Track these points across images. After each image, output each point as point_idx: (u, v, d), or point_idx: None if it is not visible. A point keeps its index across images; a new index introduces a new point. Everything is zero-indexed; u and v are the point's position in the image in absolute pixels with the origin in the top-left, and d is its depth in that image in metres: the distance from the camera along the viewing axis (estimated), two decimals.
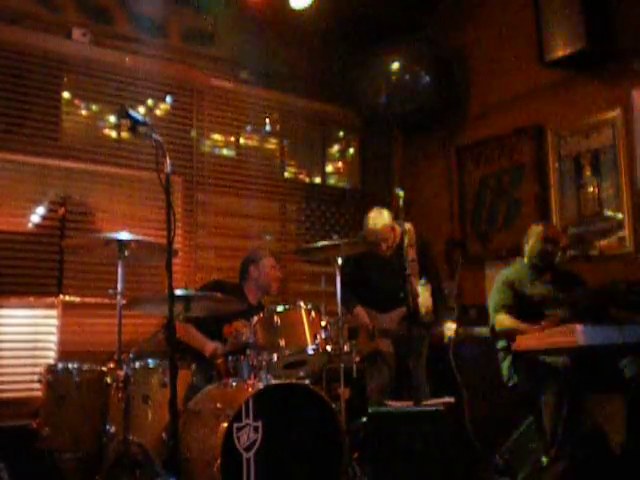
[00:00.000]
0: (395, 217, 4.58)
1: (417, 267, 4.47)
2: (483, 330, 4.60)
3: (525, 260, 4.33)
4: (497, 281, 4.35)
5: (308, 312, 3.75)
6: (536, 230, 4.32)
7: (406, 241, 4.07)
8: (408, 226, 4.26)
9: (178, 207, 5.26)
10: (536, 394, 3.89)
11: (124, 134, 5.06)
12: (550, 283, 4.24)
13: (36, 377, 3.53)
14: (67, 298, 4.66)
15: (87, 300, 4.74)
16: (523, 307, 4.12)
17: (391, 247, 4.61)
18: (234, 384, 3.51)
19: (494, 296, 4.28)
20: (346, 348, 3.77)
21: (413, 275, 4.37)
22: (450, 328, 4.33)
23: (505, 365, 4.16)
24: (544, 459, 3.82)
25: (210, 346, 4.08)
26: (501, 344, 4.18)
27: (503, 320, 4.11)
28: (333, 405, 3.49)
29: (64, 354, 4.44)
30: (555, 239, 4.31)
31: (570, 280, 4.32)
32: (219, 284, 4.43)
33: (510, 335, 4.02)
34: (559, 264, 4.37)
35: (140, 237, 3.49)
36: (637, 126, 4.82)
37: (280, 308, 3.76)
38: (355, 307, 4.56)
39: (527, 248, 4.32)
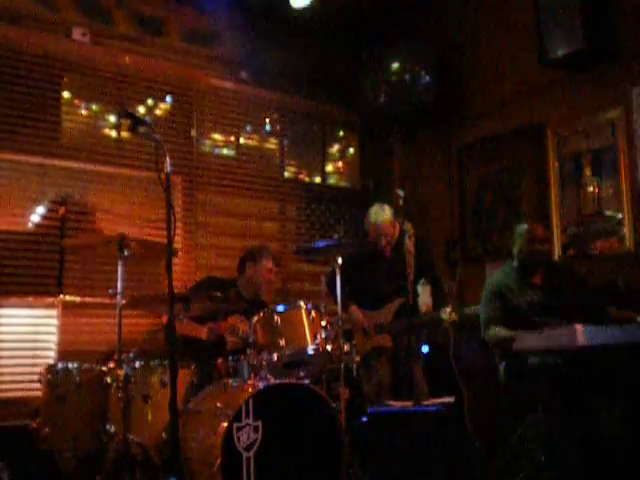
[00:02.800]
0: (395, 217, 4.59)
1: (413, 259, 4.46)
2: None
3: (514, 262, 4.29)
4: (486, 289, 4.26)
5: (308, 312, 3.75)
6: (521, 230, 4.25)
7: (406, 240, 4.07)
8: (408, 226, 4.26)
9: (178, 207, 5.26)
10: (530, 395, 3.87)
11: (124, 134, 5.07)
12: (540, 287, 4.18)
13: (36, 377, 3.53)
14: (67, 298, 4.66)
15: (87, 300, 4.73)
16: (512, 316, 4.08)
17: (390, 243, 4.61)
18: (234, 384, 3.51)
19: (484, 308, 4.20)
20: (346, 348, 3.77)
21: (409, 267, 4.36)
22: (446, 312, 4.30)
23: (501, 368, 4.14)
24: (544, 459, 3.81)
25: (204, 330, 4.09)
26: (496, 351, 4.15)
27: (497, 333, 4.06)
28: (333, 405, 3.49)
29: (64, 354, 4.44)
30: (541, 238, 4.24)
31: (565, 278, 4.26)
32: (213, 281, 4.44)
33: (505, 344, 3.97)
34: (552, 262, 4.32)
35: (140, 237, 3.49)
36: (637, 126, 4.82)
37: (280, 308, 3.76)
38: (349, 306, 4.55)
39: (515, 250, 4.26)
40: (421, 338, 4.66)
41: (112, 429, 3.27)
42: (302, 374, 3.83)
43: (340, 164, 6.56)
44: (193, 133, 5.52)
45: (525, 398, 3.97)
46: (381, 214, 4.58)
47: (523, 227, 4.28)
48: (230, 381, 3.57)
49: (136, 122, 2.92)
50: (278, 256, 4.76)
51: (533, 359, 3.88)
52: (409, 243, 4.37)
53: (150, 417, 3.40)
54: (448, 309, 4.30)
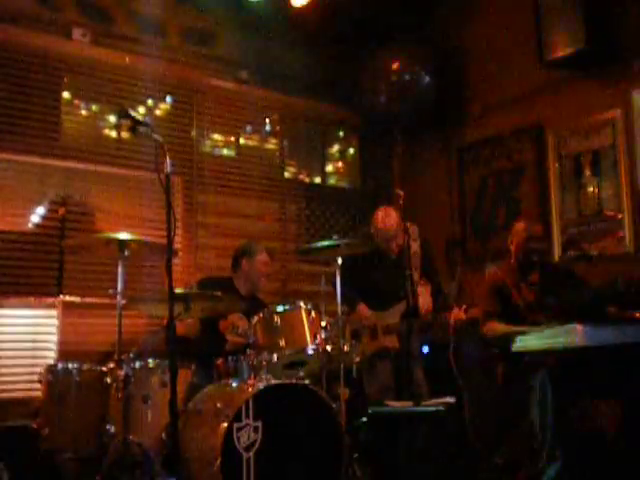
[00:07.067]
0: None
1: (419, 261, 4.46)
2: None
3: (512, 260, 4.29)
4: (486, 284, 4.27)
5: (308, 312, 3.75)
6: (518, 229, 4.27)
7: (411, 241, 4.06)
8: (409, 224, 4.26)
9: (178, 207, 5.27)
10: (525, 397, 3.85)
11: (124, 134, 5.07)
12: (537, 285, 4.18)
13: (36, 377, 3.53)
14: (67, 298, 4.66)
15: (87, 300, 4.74)
16: (508, 313, 4.09)
17: (399, 246, 4.58)
18: (234, 384, 3.51)
19: (482, 303, 4.22)
20: (346, 348, 3.77)
21: (415, 269, 4.35)
22: (457, 314, 4.30)
23: (499, 371, 4.14)
24: (544, 459, 3.81)
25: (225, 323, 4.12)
26: (494, 350, 4.15)
27: (495, 327, 4.07)
28: (333, 405, 3.49)
29: (64, 354, 4.44)
30: (538, 236, 4.26)
31: (563, 277, 4.26)
32: (210, 281, 4.42)
33: (503, 341, 3.96)
34: (550, 261, 4.33)
35: (140, 237, 3.49)
36: (637, 126, 4.83)
37: (280, 308, 3.76)
38: (358, 305, 4.55)
39: (512, 248, 4.27)
40: (422, 338, 4.66)
41: (112, 429, 3.27)
42: (302, 374, 3.84)
43: (340, 164, 6.56)
44: (193, 133, 5.52)
45: (523, 398, 3.96)
46: (390, 218, 4.53)
47: (520, 225, 4.30)
48: (230, 381, 3.58)
49: (136, 123, 2.92)
50: (272, 250, 4.75)
51: (528, 359, 3.87)
52: (415, 245, 4.36)
53: (150, 417, 3.39)
54: (459, 311, 4.30)
